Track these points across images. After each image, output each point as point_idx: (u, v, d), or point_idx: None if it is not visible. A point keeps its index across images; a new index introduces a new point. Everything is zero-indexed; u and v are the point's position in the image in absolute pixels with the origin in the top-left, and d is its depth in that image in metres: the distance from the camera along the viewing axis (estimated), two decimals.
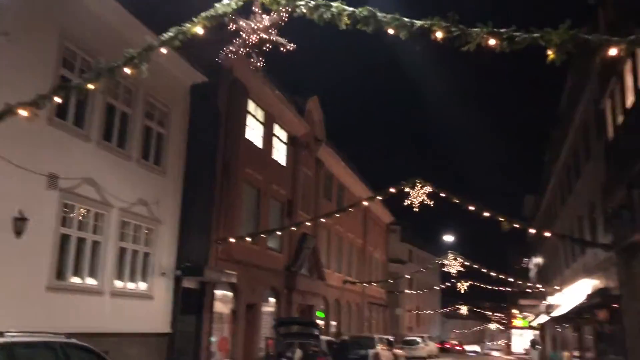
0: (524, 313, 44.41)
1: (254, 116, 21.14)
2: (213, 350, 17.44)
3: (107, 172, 12.96)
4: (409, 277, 39.19)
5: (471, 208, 17.13)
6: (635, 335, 15.23)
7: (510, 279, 34.50)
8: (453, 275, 30.93)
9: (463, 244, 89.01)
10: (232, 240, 17.66)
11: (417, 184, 17.31)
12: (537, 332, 46.90)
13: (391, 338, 25.61)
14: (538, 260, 43.32)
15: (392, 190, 17.38)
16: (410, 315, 61.31)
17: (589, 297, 20.75)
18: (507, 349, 69.97)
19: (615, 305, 17.97)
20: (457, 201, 17.25)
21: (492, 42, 6.38)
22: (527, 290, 43.76)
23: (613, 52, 6.35)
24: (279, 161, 23.36)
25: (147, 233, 14.69)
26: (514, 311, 60.31)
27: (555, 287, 29.46)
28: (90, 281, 12.65)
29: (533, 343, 43.36)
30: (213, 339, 17.16)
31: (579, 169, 23.49)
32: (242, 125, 19.96)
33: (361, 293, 35.21)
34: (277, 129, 23.26)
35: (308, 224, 20.44)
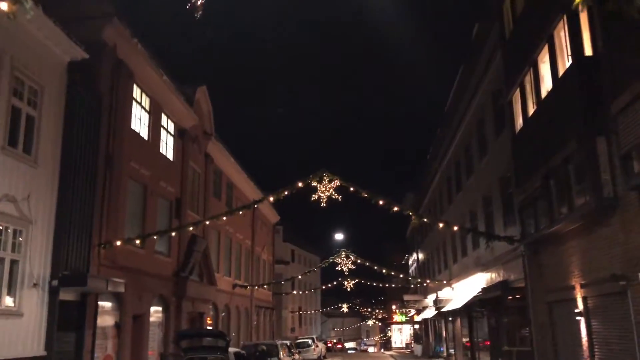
0: (409, 308, 45.45)
1: (139, 104, 18.84)
2: None
3: None
4: (300, 277, 38.29)
5: (381, 202, 16.45)
6: (541, 325, 15.37)
7: (401, 275, 34.88)
8: (345, 273, 30.46)
9: (342, 244, 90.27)
10: (117, 243, 15.37)
11: (325, 178, 16.29)
12: (417, 326, 48.36)
13: (289, 342, 24.36)
14: (419, 256, 44.58)
15: (300, 184, 16.17)
16: (293, 316, 60.66)
17: (485, 290, 21.09)
18: (386, 344, 72.11)
19: (518, 296, 18.27)
20: (366, 195, 16.48)
21: None
22: (411, 285, 45.00)
23: None
24: (166, 155, 21.15)
25: (14, 236, 12.07)
26: (394, 307, 62.14)
27: (444, 282, 30.04)
28: None
29: (417, 337, 44.60)
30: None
31: (471, 164, 23.95)
32: (127, 114, 17.62)
33: (250, 297, 33.63)
34: (165, 120, 21.05)
35: (206, 223, 18.58)
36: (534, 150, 14.25)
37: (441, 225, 16.80)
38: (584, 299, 12.24)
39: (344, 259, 29.84)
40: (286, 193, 16.11)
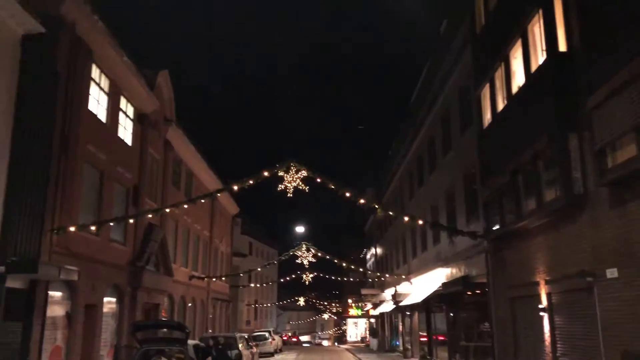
0: (365, 302, 45.58)
1: (98, 85, 17.99)
2: None
3: None
4: (259, 269, 37.78)
5: (347, 195, 16.19)
6: (502, 321, 15.46)
7: (360, 269, 34.84)
8: (305, 266, 30.17)
9: (302, 237, 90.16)
10: (71, 229, 14.60)
11: (292, 168, 15.92)
12: (373, 320, 48.61)
13: (246, 335, 23.91)
14: (377, 251, 44.75)
15: (266, 174, 15.74)
16: (249, 309, 60.09)
17: (445, 285, 21.17)
18: (340, 338, 72.40)
19: (478, 292, 18.37)
20: (333, 187, 16.20)
21: None
22: (369, 280, 45.15)
23: None
24: (125, 140, 20.32)
25: None
26: (350, 301, 62.36)
27: (402, 277, 30.14)
28: None
29: (372, 331, 44.79)
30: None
31: (434, 160, 24.00)
32: (85, 94, 16.78)
33: (206, 288, 32.95)
34: (124, 103, 20.20)
35: (166, 211, 17.94)
36: (502, 147, 14.26)
37: (406, 218, 16.68)
38: (548, 295, 12.30)
39: (305, 251, 29.54)
40: (251, 182, 15.66)
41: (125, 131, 20.42)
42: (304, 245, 29.55)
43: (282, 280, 42.38)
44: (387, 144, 42.46)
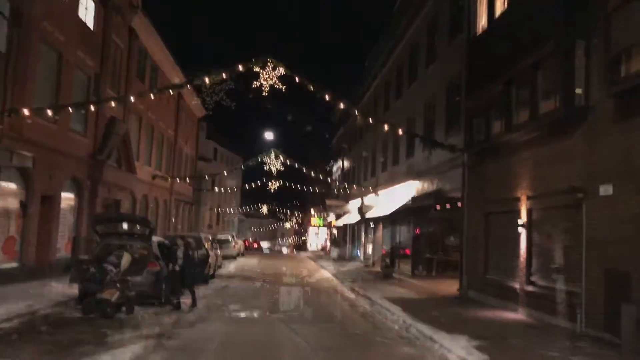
0: (329, 212, 45.78)
1: None
2: None
3: None
4: (225, 173, 36.95)
5: (327, 97, 15.23)
6: (473, 237, 15.30)
7: (328, 178, 34.50)
8: (273, 174, 29.54)
9: (268, 144, 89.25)
10: (25, 112, 13.32)
11: (269, 64, 14.75)
12: (335, 231, 49.17)
13: (211, 237, 23.53)
14: (344, 164, 44.43)
15: (240, 68, 14.55)
16: (211, 213, 59.94)
17: (416, 199, 20.93)
18: (300, 247, 73.67)
19: (448, 207, 18.16)
20: (312, 88, 15.17)
21: None
22: (334, 191, 45.05)
23: None
24: (86, 23, 18.54)
25: None
26: (313, 211, 62.78)
27: (370, 189, 29.94)
28: None
29: (334, 242, 45.26)
30: None
31: (415, 70, 23.04)
32: None
33: (170, 189, 32.16)
34: None
35: (131, 99, 16.69)
36: (495, 55, 13.39)
37: (386, 127, 15.93)
38: (529, 210, 12.00)
39: (274, 158, 28.81)
40: (224, 76, 14.48)
41: (86, 12, 18.59)
42: (273, 152, 28.76)
43: (246, 186, 41.88)
44: (364, 54, 40.85)
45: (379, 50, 32.06)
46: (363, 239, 34.50)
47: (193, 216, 42.31)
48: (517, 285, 12.28)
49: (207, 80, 14.45)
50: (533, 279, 11.71)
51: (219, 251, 22.90)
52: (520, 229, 12.18)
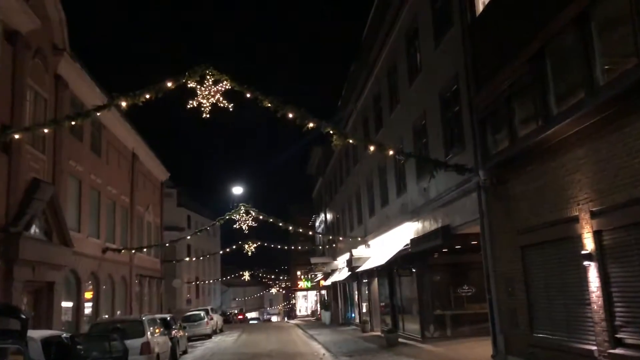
0: (316, 272, 41.39)
1: None
2: None
3: None
4: (188, 237, 32.76)
5: (290, 115, 11.55)
6: (506, 278, 11.35)
7: (309, 232, 30.54)
8: (245, 232, 25.44)
9: (242, 200, 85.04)
10: None
11: (208, 77, 11.12)
12: (324, 292, 44.71)
13: (168, 317, 19.06)
14: (327, 216, 40.56)
15: (169, 84, 10.84)
16: (190, 286, 55.01)
17: (415, 242, 16.99)
18: (290, 313, 68.48)
19: (458, 247, 14.27)
20: (270, 105, 11.51)
21: None
22: (319, 247, 40.94)
23: None
24: None
25: None
26: (299, 273, 58.23)
27: (358, 239, 25.96)
28: None
29: (324, 305, 40.68)
30: None
31: (396, 94, 19.61)
32: None
33: (129, 263, 27.73)
34: None
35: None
36: (514, 24, 9.86)
37: (372, 148, 12.21)
38: (597, 233, 8.12)
39: (243, 214, 24.84)
40: (147, 96, 10.71)
41: None
42: (242, 208, 24.83)
43: (221, 252, 37.60)
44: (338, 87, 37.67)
45: (351, 86, 28.79)
46: (356, 298, 30.17)
47: (164, 292, 37.54)
48: (592, 347, 8.26)
49: (124, 103, 10.64)
50: (621, 335, 7.72)
51: (182, 332, 18.42)
52: (586, 263, 8.26)
